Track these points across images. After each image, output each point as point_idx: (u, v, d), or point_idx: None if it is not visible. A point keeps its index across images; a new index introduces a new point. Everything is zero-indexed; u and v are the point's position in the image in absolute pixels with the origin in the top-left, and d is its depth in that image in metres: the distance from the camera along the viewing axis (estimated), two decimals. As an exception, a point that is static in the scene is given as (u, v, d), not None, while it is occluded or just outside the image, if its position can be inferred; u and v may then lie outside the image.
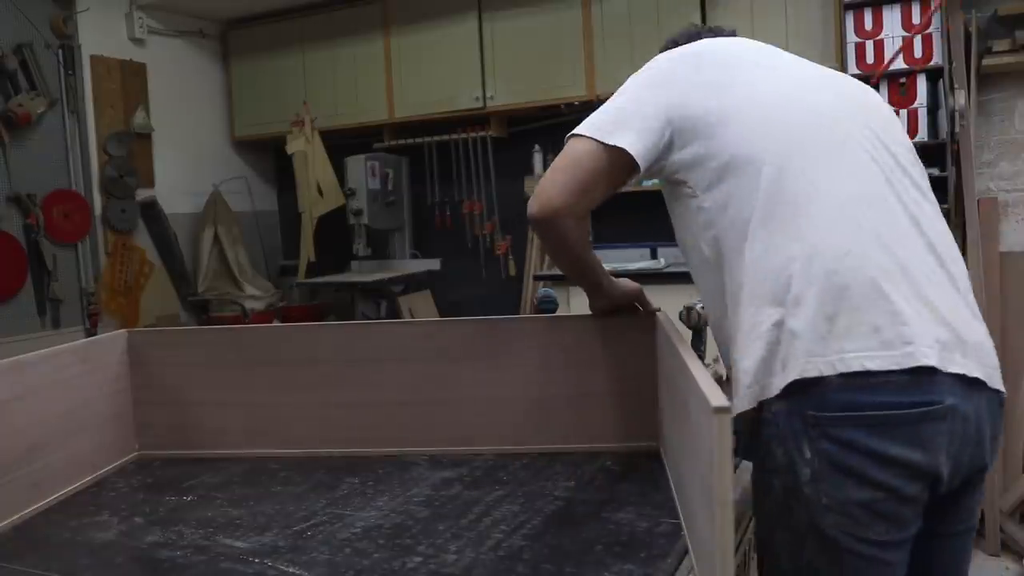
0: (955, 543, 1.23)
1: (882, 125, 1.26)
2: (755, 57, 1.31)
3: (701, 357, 1.78)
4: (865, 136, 1.21)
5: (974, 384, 1.10)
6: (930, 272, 1.13)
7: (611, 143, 1.23)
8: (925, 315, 1.09)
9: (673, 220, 1.36)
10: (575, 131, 1.28)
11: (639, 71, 1.33)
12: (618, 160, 1.24)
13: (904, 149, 1.26)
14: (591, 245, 1.49)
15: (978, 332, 1.15)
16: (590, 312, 1.58)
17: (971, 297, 1.19)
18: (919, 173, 1.25)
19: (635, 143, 1.23)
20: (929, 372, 1.06)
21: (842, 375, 1.06)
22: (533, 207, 1.28)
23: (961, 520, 1.21)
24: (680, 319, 1.61)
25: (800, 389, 1.09)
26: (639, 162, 1.24)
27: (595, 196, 1.29)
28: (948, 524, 1.20)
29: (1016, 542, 3.08)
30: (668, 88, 1.26)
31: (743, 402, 1.15)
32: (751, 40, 1.39)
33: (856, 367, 1.06)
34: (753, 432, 1.16)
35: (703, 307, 1.76)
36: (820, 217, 1.13)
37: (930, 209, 1.21)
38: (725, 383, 1.33)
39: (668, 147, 1.25)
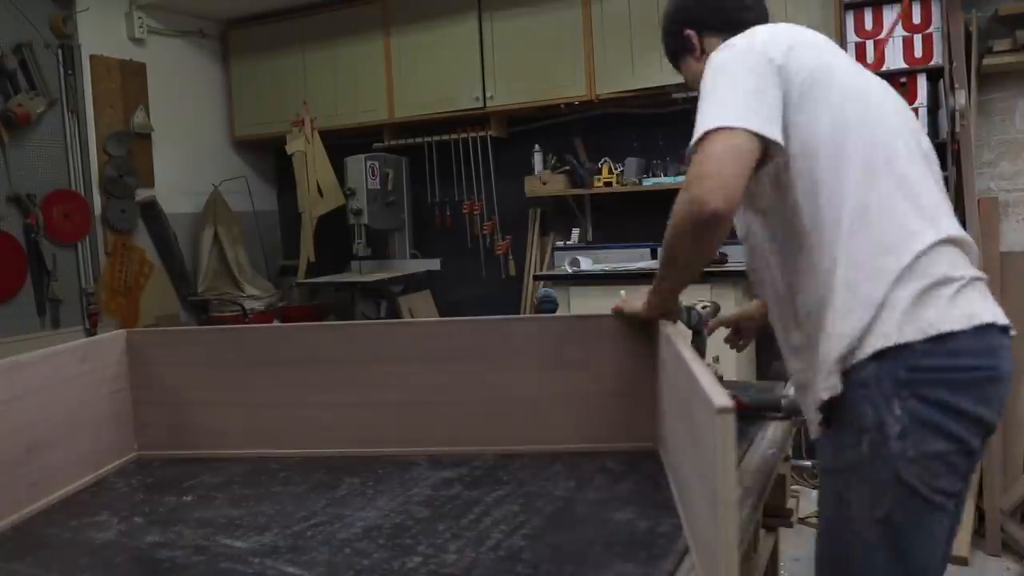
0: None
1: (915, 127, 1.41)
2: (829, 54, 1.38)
3: (701, 356, 1.78)
4: (914, 137, 1.37)
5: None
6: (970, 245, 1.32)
7: (763, 133, 1.22)
8: (977, 281, 1.28)
9: (752, 195, 1.35)
10: (719, 124, 1.22)
11: (729, 60, 1.32)
12: (761, 147, 1.24)
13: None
14: None
15: None
16: (642, 308, 1.52)
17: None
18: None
19: (776, 132, 1.24)
20: (990, 330, 1.24)
21: (929, 339, 1.21)
22: (719, 200, 1.19)
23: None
24: (680, 319, 1.61)
25: (891, 354, 1.22)
26: (780, 146, 1.25)
27: None
28: None
29: (1017, 542, 3.08)
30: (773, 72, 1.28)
31: (830, 376, 1.26)
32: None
33: (943, 329, 1.21)
34: (833, 403, 1.27)
35: (705, 306, 1.76)
36: (910, 203, 1.27)
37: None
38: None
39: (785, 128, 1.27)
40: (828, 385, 1.27)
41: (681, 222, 1.25)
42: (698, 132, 1.24)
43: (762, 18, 1.52)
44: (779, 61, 1.28)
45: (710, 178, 1.20)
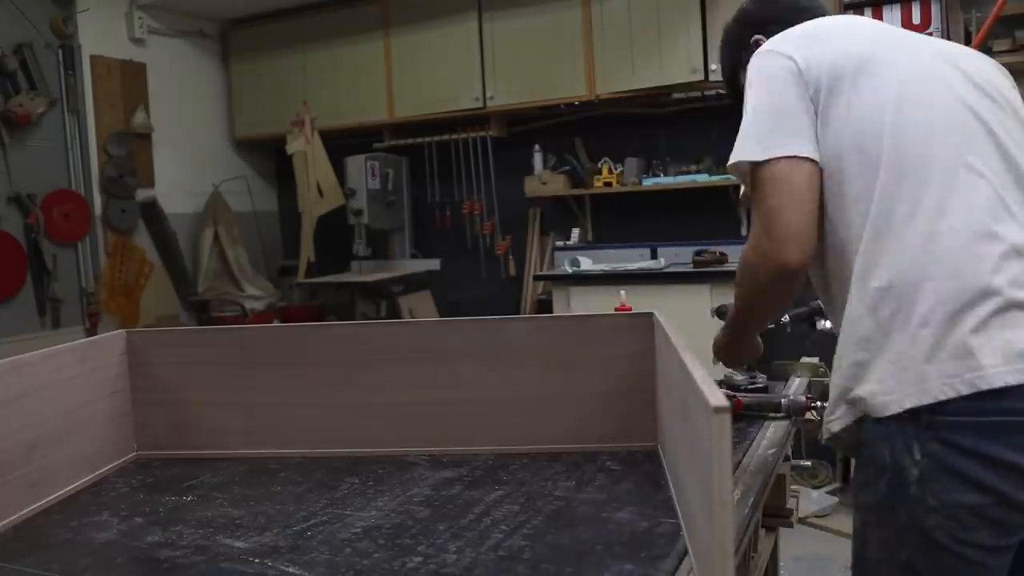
0: None
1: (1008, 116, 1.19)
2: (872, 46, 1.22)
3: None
4: (985, 145, 1.15)
5: None
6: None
7: (813, 157, 1.16)
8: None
9: None
10: (773, 154, 1.16)
11: (757, 73, 1.24)
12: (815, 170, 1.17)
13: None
14: None
15: None
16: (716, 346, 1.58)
17: None
18: None
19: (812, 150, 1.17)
20: None
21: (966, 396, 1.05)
22: (793, 256, 1.14)
23: None
24: (756, 354, 1.60)
25: None
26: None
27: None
28: None
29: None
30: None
31: (837, 405, 1.17)
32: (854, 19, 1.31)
33: (984, 385, 1.05)
34: (852, 432, 1.17)
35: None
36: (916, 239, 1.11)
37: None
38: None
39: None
40: (836, 415, 1.18)
41: (755, 276, 1.20)
42: (747, 153, 1.18)
43: (818, 12, 1.38)
44: (801, 65, 1.19)
45: (781, 231, 1.14)
